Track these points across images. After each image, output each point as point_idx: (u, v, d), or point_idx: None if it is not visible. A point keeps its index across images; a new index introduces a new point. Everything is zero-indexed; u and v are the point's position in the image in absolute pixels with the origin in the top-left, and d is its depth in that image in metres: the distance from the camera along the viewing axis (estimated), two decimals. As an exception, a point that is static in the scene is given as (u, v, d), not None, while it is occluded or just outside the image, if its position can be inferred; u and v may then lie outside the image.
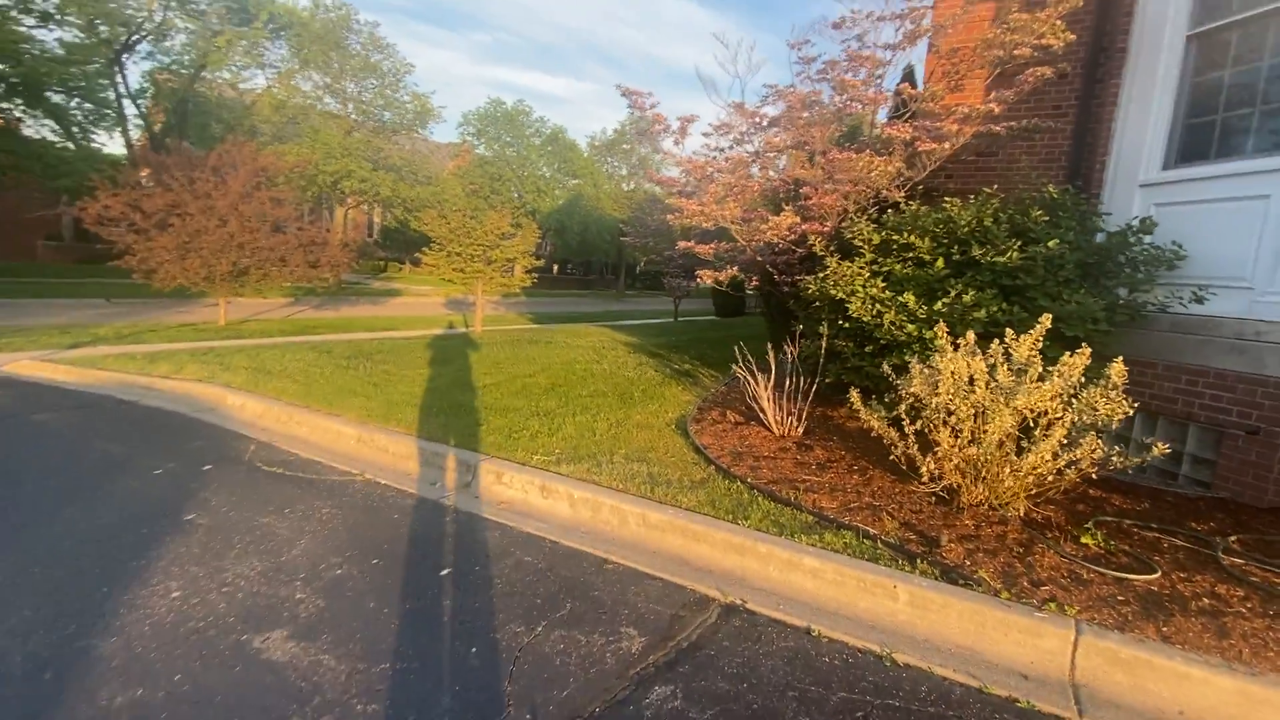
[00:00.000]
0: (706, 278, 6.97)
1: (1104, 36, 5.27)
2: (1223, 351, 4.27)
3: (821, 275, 5.32)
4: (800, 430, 5.16)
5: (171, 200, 11.91)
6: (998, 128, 5.12)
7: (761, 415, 5.26)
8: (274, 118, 27.48)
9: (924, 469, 3.67)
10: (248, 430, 5.19)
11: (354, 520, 3.48)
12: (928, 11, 5.92)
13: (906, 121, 6.01)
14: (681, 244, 7.51)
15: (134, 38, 23.55)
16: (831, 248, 5.41)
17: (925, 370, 3.73)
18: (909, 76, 7.39)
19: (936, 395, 3.55)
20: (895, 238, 5.03)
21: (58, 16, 19.62)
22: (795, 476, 4.15)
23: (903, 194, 5.56)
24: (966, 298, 4.33)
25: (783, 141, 6.12)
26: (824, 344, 5.17)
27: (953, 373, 3.54)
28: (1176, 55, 4.85)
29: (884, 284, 4.84)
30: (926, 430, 3.69)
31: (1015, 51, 4.96)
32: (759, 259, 6.93)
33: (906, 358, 4.63)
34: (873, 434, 4.05)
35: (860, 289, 4.86)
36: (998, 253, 4.51)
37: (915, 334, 4.54)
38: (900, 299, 4.66)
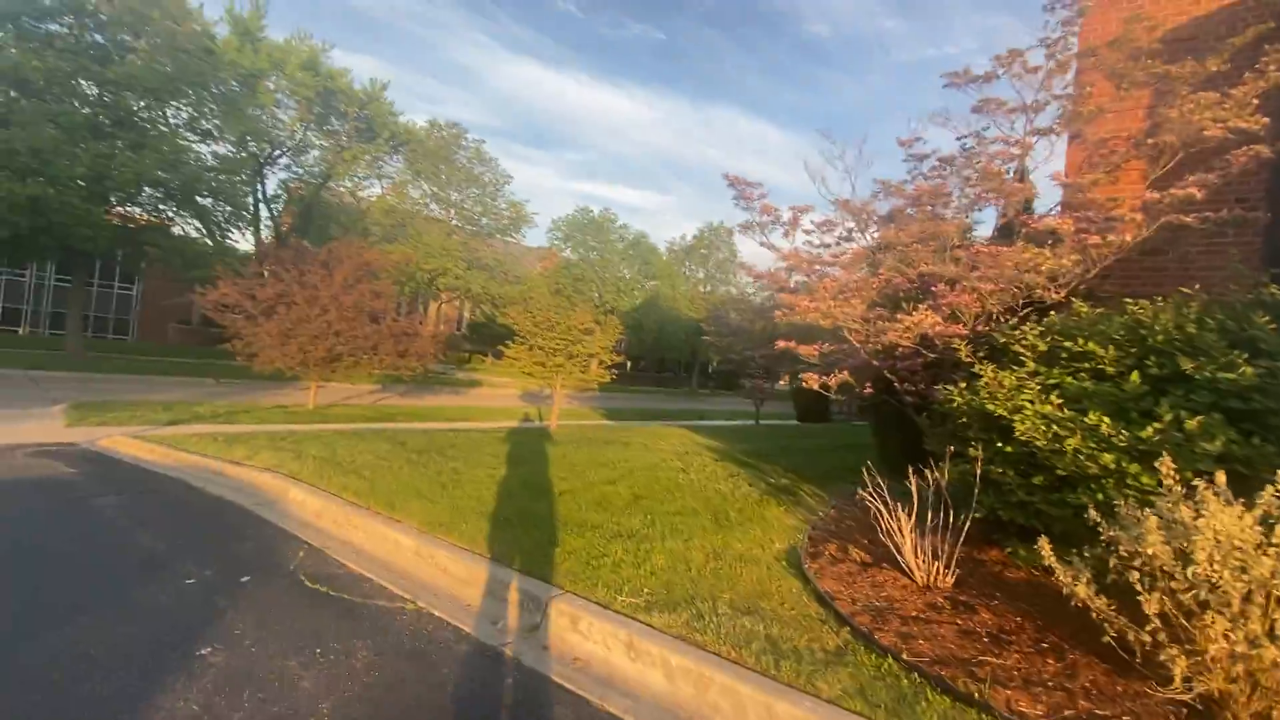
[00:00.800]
0: (811, 382, 6.18)
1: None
2: None
3: (971, 386, 4.42)
4: (950, 579, 4.08)
5: (281, 290, 12.59)
6: (1188, 218, 4.25)
7: (898, 556, 4.24)
8: (384, 220, 30.01)
9: (1176, 670, 2.56)
10: (302, 531, 4.68)
11: (393, 673, 2.74)
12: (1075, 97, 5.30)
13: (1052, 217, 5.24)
14: (781, 343, 6.82)
15: (276, 152, 26.77)
16: (980, 354, 4.54)
17: (1159, 522, 2.70)
18: (1023, 175, 6.68)
19: (1192, 563, 2.51)
20: (1066, 344, 4.12)
21: (216, 135, 22.62)
22: (965, 654, 3.09)
23: (1061, 295, 4.69)
24: (1190, 423, 3.31)
25: (906, 235, 5.46)
26: (978, 469, 4.17)
27: (1216, 532, 2.51)
28: None
29: (1060, 400, 3.88)
30: (1171, 613, 2.62)
31: (1206, 132, 4.18)
32: (875, 363, 6.10)
33: (1099, 496, 3.59)
34: (1058, 591, 2.98)
35: (1028, 405, 3.92)
36: (1219, 367, 3.51)
37: (1112, 466, 3.51)
38: (1085, 420, 3.69)
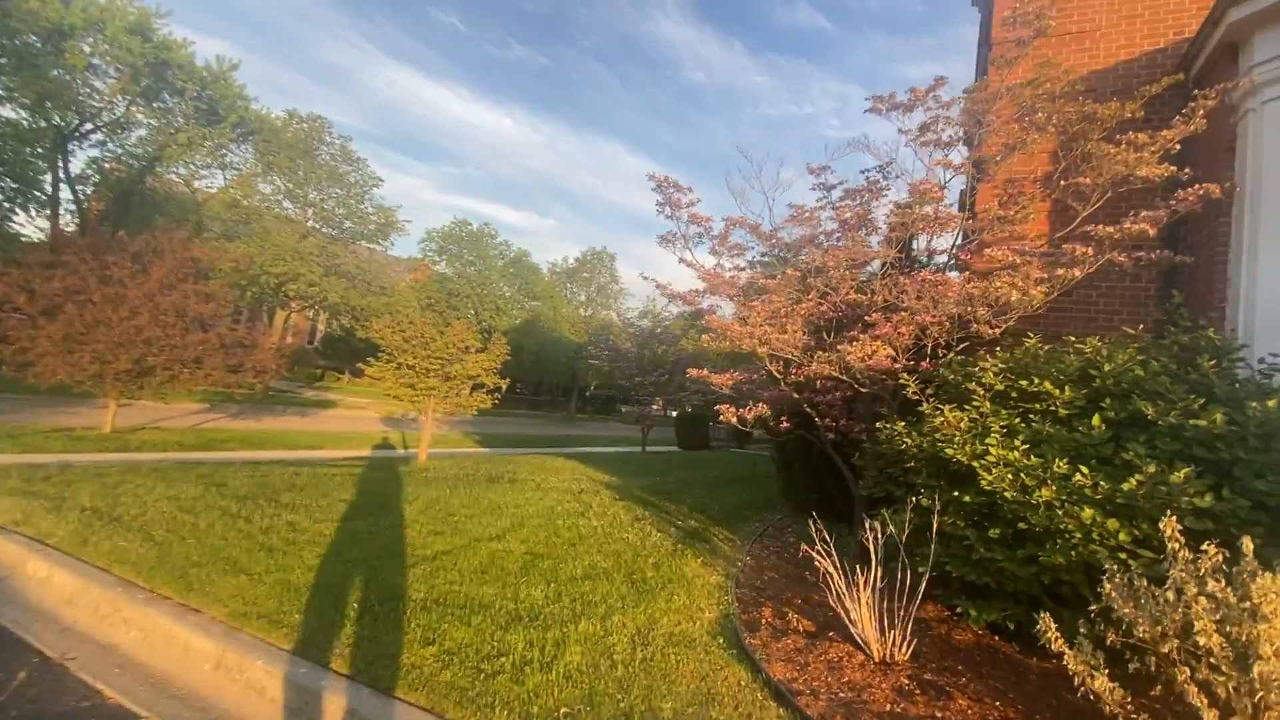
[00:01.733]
0: (729, 415, 5.56)
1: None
2: None
3: (918, 427, 3.99)
4: (907, 651, 3.53)
5: (72, 285, 10.07)
6: (1122, 257, 4.16)
7: (849, 625, 3.62)
8: (225, 215, 26.18)
9: None
10: (38, 630, 3.16)
11: None
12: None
13: (969, 250, 5.10)
14: (694, 372, 6.19)
15: (86, 125, 22.41)
16: (928, 391, 4.14)
17: (1208, 604, 2.26)
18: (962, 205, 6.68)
19: (1257, 658, 2.06)
20: (1021, 383, 3.81)
21: (3, 95, 18.39)
22: (972, 772, 2.47)
23: (998, 331, 4.45)
24: (1177, 476, 3.01)
25: (832, 260, 5.04)
26: (934, 520, 3.69)
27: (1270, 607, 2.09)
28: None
29: (1025, 446, 3.51)
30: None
31: (1139, 172, 4.13)
32: (795, 396, 5.62)
33: (1072, 555, 3.22)
34: (1022, 662, 2.49)
35: (993, 450, 3.51)
36: (1183, 414, 3.30)
37: (1090, 523, 3.14)
38: (1054, 469, 3.32)
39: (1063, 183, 4.99)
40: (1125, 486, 3.08)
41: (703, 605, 4.07)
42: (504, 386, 10.78)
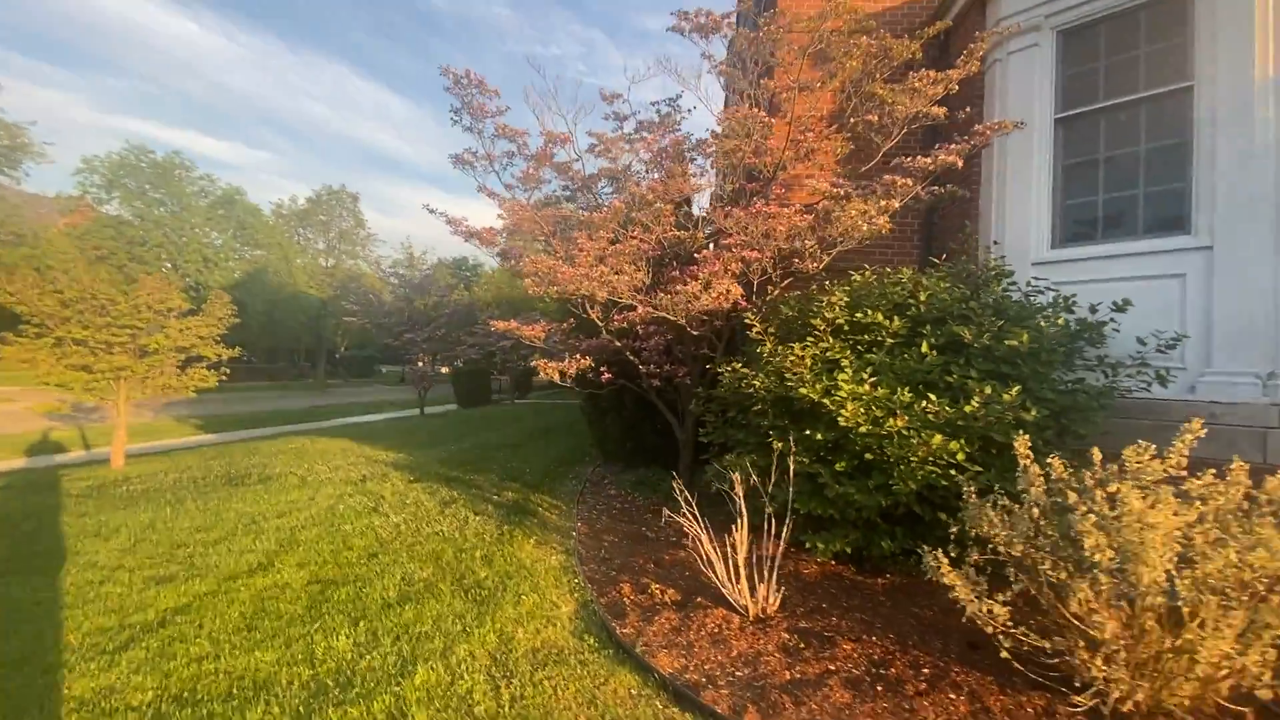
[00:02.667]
0: (549, 370, 4.90)
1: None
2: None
3: (765, 367, 3.79)
4: (776, 601, 3.39)
5: None
6: (924, 192, 4.39)
7: (722, 587, 3.35)
8: None
9: (1095, 670, 2.23)
10: None
11: None
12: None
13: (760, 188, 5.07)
14: (500, 324, 5.33)
15: None
16: (770, 329, 3.95)
17: (1095, 520, 2.34)
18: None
19: (1143, 565, 2.17)
20: (856, 316, 3.80)
21: None
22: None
23: (820, 265, 4.46)
24: (1008, 395, 3.21)
25: (653, 194, 4.57)
26: (790, 463, 3.55)
27: (1139, 517, 2.22)
28: (1048, 138, 4.80)
29: (873, 379, 3.50)
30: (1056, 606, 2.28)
31: (933, 110, 4.34)
32: (617, 344, 5.15)
33: (918, 478, 3.32)
34: (879, 589, 2.51)
35: (846, 387, 3.43)
36: (994, 336, 3.57)
37: (938, 447, 3.24)
38: (900, 398, 3.36)
39: (852, 120, 5.15)
40: (968, 409, 3.23)
41: (555, 599, 3.46)
42: (226, 358, 8.43)
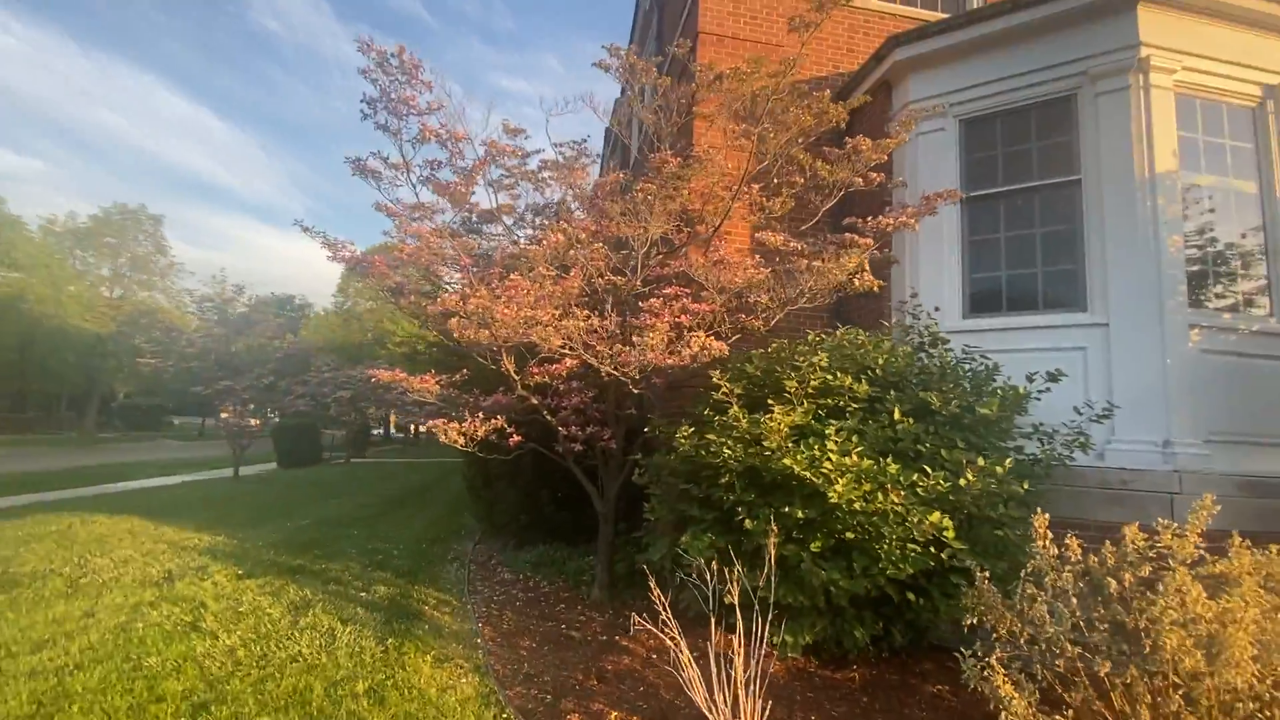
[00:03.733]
0: (451, 435, 4.02)
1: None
2: (1102, 503, 4.11)
3: (731, 433, 3.29)
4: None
5: None
6: (878, 252, 4.32)
7: (706, 713, 2.68)
8: None
9: None
10: None
11: None
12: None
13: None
14: (382, 374, 4.36)
15: None
16: (736, 390, 3.49)
17: (1177, 615, 2.09)
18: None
19: (1225, 665, 1.93)
20: (826, 378, 3.49)
21: None
22: None
23: (767, 325, 4.16)
24: (1001, 467, 3.02)
25: (609, 231, 4.02)
26: (768, 544, 3.05)
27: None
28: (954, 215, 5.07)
29: (859, 449, 3.16)
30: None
31: (856, 178, 4.34)
32: (533, 400, 4.41)
33: (909, 563, 3.00)
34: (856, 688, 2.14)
35: (834, 458, 3.04)
36: (961, 403, 3.44)
37: (933, 528, 2.94)
38: (890, 471, 3.05)
39: (776, 180, 5.08)
40: (962, 483, 2.99)
41: (490, 751, 2.55)
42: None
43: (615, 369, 3.55)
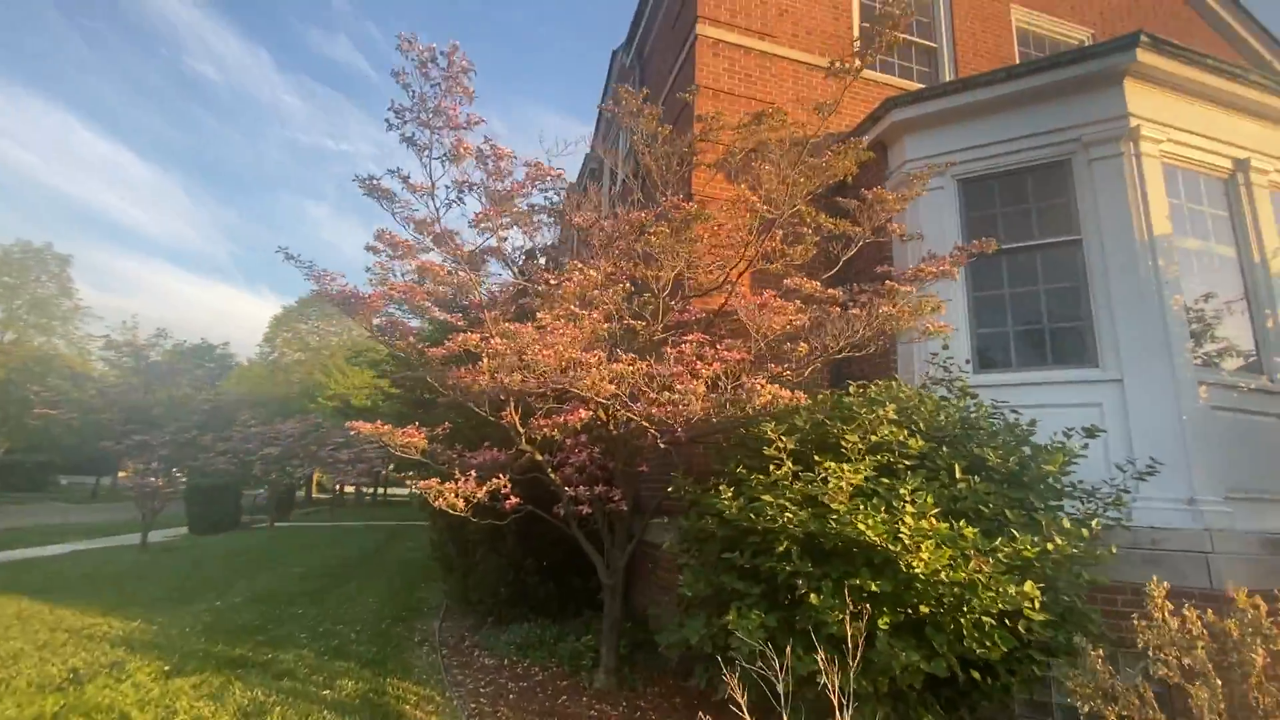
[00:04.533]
0: (447, 499, 3.50)
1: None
2: (1137, 564, 3.96)
3: (782, 495, 2.95)
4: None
5: None
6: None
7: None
8: None
9: None
10: None
11: None
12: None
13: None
14: (363, 426, 3.84)
15: None
16: (797, 445, 3.16)
17: None
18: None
19: None
20: (881, 433, 3.23)
21: None
22: None
23: (803, 375, 3.92)
24: (1086, 531, 2.80)
25: (607, 274, 3.71)
26: (840, 620, 2.67)
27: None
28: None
29: (935, 511, 2.87)
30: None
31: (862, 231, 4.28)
32: (539, 457, 3.95)
33: (996, 644, 2.69)
34: None
35: (910, 522, 2.74)
36: (1019, 460, 3.25)
37: (1027, 598, 2.66)
38: (969, 536, 2.77)
39: (782, 231, 4.98)
40: (1050, 547, 2.74)
41: None
42: None
43: (651, 421, 3.16)
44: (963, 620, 2.77)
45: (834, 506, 2.82)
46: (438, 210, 3.17)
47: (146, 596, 6.31)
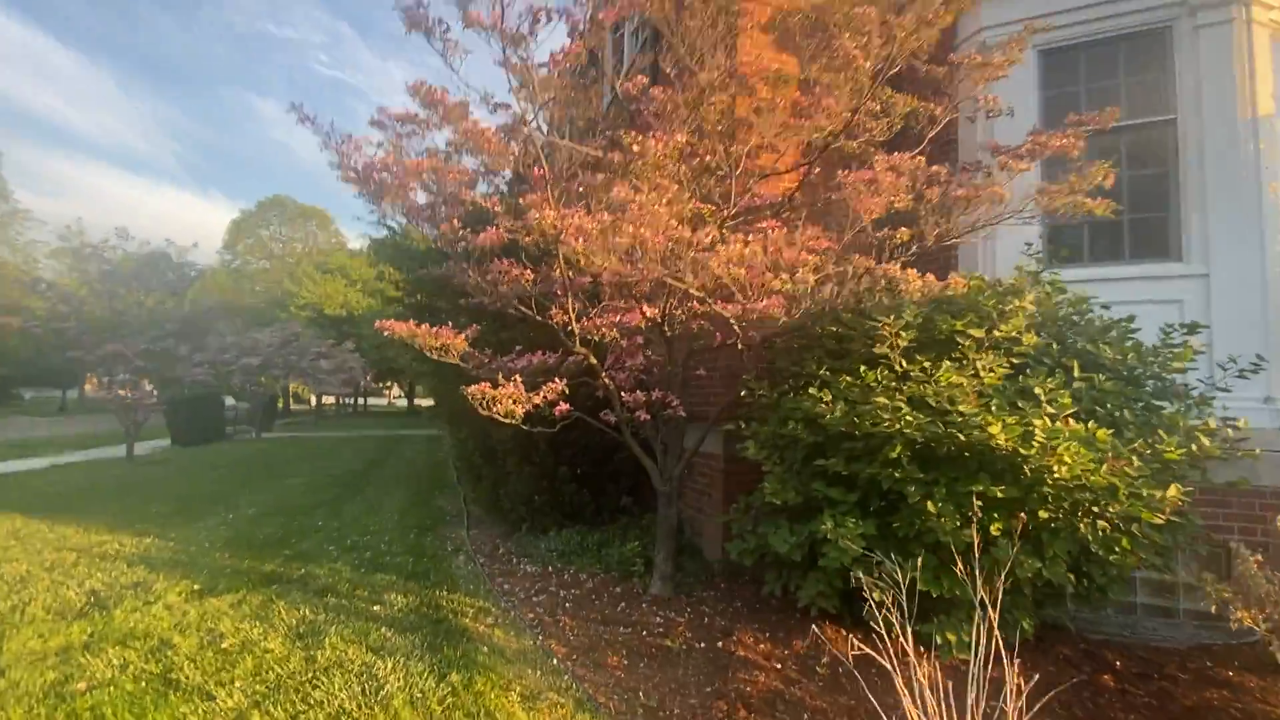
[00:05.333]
0: (503, 405, 3.14)
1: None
2: (1211, 465, 3.86)
3: (898, 393, 2.64)
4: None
5: None
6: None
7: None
8: None
9: None
10: None
11: None
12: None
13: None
14: (393, 326, 3.41)
15: None
16: (901, 343, 2.83)
17: None
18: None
19: None
20: (997, 331, 2.90)
21: None
22: None
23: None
24: (1229, 429, 2.58)
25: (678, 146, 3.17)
26: (971, 546, 2.47)
27: None
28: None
29: (1071, 409, 2.61)
30: None
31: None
32: (593, 360, 3.59)
33: (1126, 551, 2.52)
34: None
35: (1041, 423, 2.47)
36: (1139, 357, 2.99)
37: (1172, 502, 2.46)
38: (1102, 440, 2.52)
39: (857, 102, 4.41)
40: (1195, 448, 2.53)
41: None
42: None
43: (743, 319, 2.77)
44: (1081, 525, 2.60)
45: (959, 409, 2.53)
46: (514, 40, 2.53)
47: (151, 512, 5.98)
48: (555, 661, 2.94)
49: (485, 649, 2.98)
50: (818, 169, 3.51)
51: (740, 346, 3.24)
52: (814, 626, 3.17)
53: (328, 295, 33.92)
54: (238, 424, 19.58)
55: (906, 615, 2.06)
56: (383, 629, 3.12)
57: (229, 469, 9.64)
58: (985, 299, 2.88)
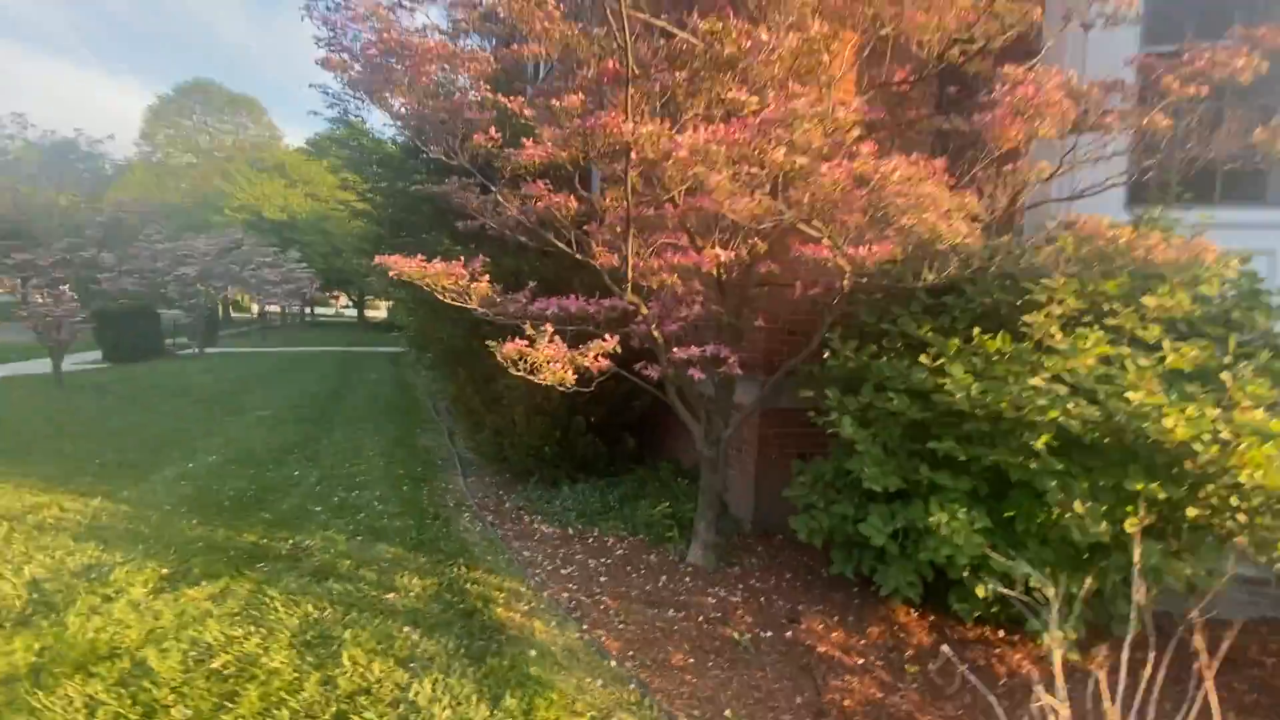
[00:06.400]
0: (546, 368, 2.58)
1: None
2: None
3: (1044, 366, 2.20)
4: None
5: None
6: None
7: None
8: None
9: None
10: None
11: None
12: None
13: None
14: (400, 263, 2.79)
15: None
16: (1057, 310, 2.34)
17: None
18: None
19: None
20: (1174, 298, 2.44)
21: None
22: None
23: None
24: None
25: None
26: (1107, 544, 2.11)
27: None
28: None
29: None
30: None
31: None
32: (645, 310, 3.02)
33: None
34: None
35: (1234, 415, 2.07)
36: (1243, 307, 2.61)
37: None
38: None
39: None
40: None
41: None
42: None
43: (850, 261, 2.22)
44: (1232, 522, 2.29)
45: (1128, 396, 2.10)
46: None
47: (93, 460, 5.22)
48: (613, 664, 2.56)
49: (533, 652, 2.57)
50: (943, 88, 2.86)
51: (819, 296, 2.70)
52: (890, 613, 2.88)
53: (266, 196, 31.00)
54: (177, 337, 18.11)
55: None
56: (406, 629, 2.66)
57: (177, 397, 8.73)
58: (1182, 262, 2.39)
